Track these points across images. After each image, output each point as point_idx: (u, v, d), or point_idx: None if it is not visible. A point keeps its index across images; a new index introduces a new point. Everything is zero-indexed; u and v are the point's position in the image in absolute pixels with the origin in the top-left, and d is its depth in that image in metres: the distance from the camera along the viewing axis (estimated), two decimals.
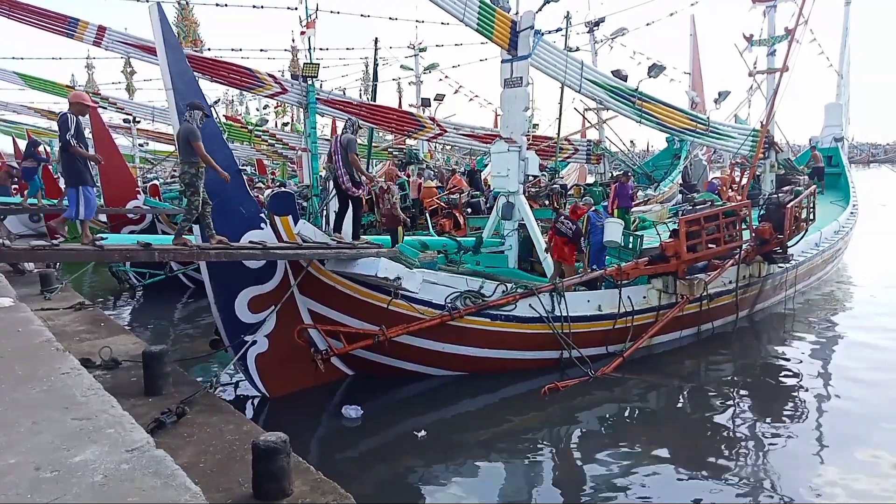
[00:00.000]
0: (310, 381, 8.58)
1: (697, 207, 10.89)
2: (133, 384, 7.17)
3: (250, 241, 7.82)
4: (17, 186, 20.35)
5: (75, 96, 7.74)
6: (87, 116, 14.68)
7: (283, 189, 9.50)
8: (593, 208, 10.79)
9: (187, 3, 20.45)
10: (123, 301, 14.90)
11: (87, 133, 19.25)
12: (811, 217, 12.34)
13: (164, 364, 7.09)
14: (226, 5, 15.73)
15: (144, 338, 11.42)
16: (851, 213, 16.99)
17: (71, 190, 7.11)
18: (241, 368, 8.29)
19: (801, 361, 9.91)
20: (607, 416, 8.37)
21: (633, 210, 15.39)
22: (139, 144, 25.34)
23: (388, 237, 10.87)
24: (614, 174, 22.27)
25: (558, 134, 19.36)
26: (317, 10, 15.42)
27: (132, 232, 15.20)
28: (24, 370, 3.73)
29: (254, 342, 8.17)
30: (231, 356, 8.14)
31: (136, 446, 2.89)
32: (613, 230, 10.55)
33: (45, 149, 29.59)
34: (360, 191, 9.08)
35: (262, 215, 8.28)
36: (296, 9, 15.72)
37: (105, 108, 21.37)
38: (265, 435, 4.97)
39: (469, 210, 16.07)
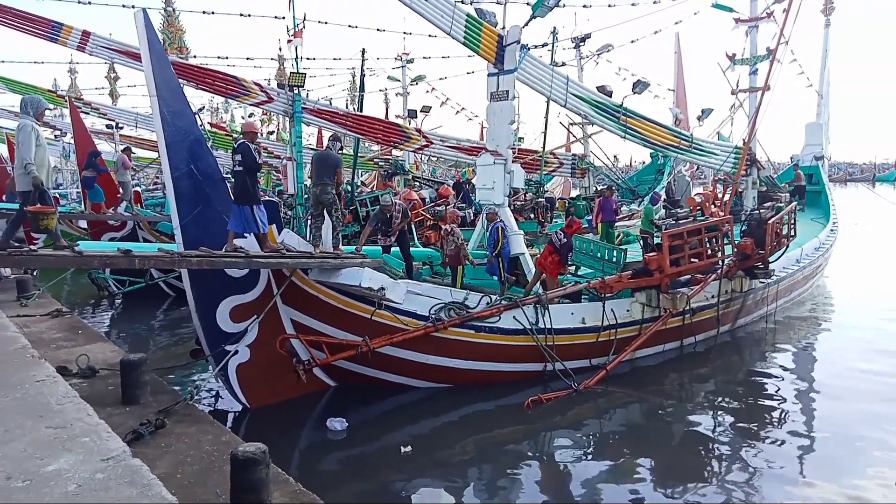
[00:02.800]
0: (292, 391, 8.48)
1: (680, 222, 10.97)
2: (110, 393, 7.05)
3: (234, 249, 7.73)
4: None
5: (249, 126, 8.90)
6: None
7: (267, 198, 9.42)
8: (501, 221, 10.82)
9: (173, 10, 20.37)
10: (103, 308, 14.69)
11: (69, 138, 19.07)
12: (792, 233, 12.49)
13: (143, 373, 6.98)
14: (213, 13, 15.70)
15: (123, 346, 11.25)
16: (832, 230, 17.24)
17: (241, 207, 7.87)
18: (222, 378, 8.18)
19: (782, 377, 9.99)
20: (591, 429, 8.35)
21: (616, 224, 15.51)
22: (120, 150, 25.01)
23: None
24: (598, 188, 22.47)
25: (543, 147, 19.49)
26: (304, 19, 15.50)
27: (112, 239, 15.01)
28: None
29: (235, 352, 8.06)
30: (212, 366, 8.02)
31: (111, 455, 2.81)
32: (517, 243, 11.05)
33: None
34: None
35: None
36: (283, 18, 15.76)
37: (87, 114, 21.16)
38: (244, 446, 4.89)
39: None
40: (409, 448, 7.16)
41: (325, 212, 8.74)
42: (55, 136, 26.92)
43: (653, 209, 14.23)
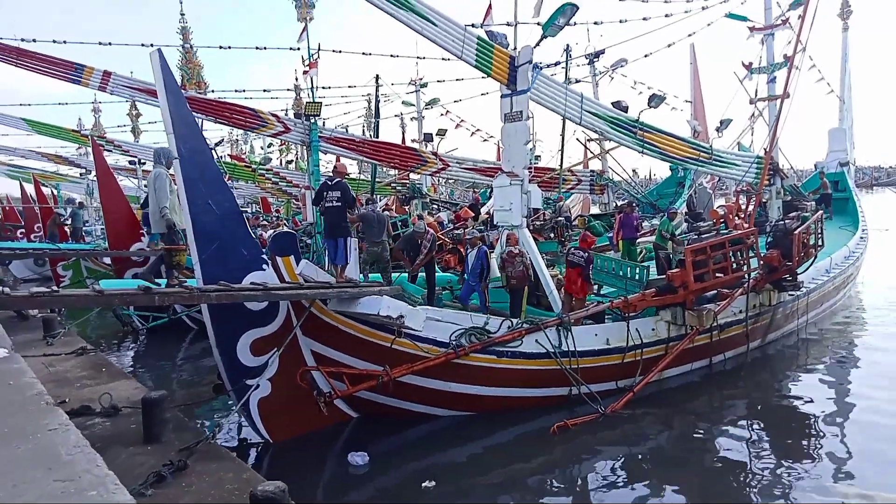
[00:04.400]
0: (314, 424, 8.39)
1: (703, 236, 10.76)
2: (132, 431, 7.02)
3: (251, 283, 7.72)
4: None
5: (341, 166, 10.57)
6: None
7: (284, 230, 9.73)
8: (483, 245, 10.72)
9: (191, 46, 20.82)
10: (127, 345, 14.80)
11: (93, 175, 19.52)
12: (820, 243, 12.18)
13: (164, 410, 6.94)
14: (229, 48, 15.98)
15: (147, 382, 11.30)
16: (861, 237, 16.80)
17: (331, 241, 9.03)
18: (244, 413, 8.12)
19: (818, 394, 9.63)
20: (620, 454, 8.10)
21: (639, 240, 15.28)
22: (144, 186, 25.54)
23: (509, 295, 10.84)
24: (618, 204, 22.25)
25: (560, 165, 19.39)
26: (318, 49, 15.69)
27: (136, 275, 15.17)
28: (11, 426, 3.61)
29: (256, 386, 8.01)
30: (233, 401, 7.98)
31: None
32: (495, 266, 11.14)
33: (52, 192, 30.09)
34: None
35: (264, 256, 8.21)
36: (298, 49, 15.97)
37: (110, 151, 21.63)
38: (263, 484, 4.81)
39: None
40: (432, 482, 7.00)
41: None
42: (80, 175, 27.60)
43: (669, 223, 14.00)
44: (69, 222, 24.04)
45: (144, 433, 6.80)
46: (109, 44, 14.88)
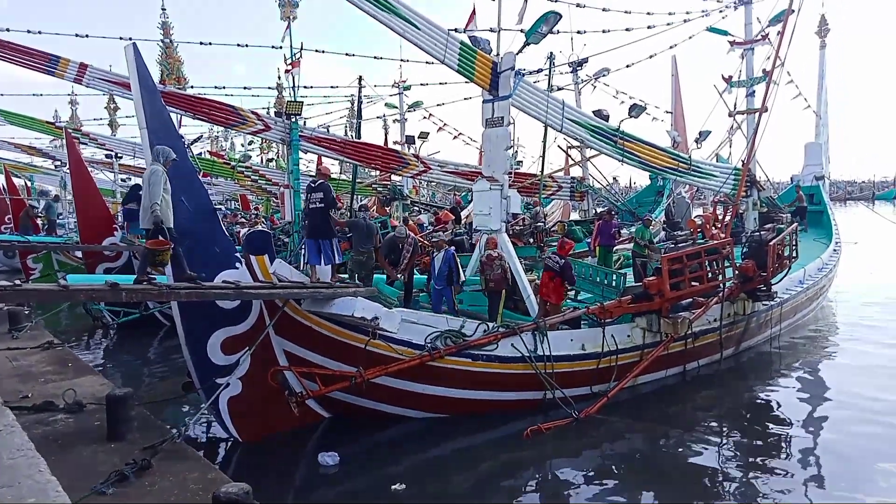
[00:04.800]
0: (285, 424, 8.27)
1: (680, 245, 10.84)
2: (96, 428, 6.88)
3: (224, 281, 7.60)
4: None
5: (325, 168, 10.89)
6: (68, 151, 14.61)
7: (258, 228, 9.68)
8: (450, 249, 10.72)
9: (171, 41, 20.55)
10: (97, 340, 14.51)
11: (67, 168, 19.21)
12: (794, 254, 12.34)
13: (129, 408, 6.82)
14: (209, 44, 15.78)
15: (116, 378, 11.10)
16: (834, 250, 17.08)
17: (319, 242, 9.15)
18: (213, 412, 7.99)
19: (788, 402, 9.74)
20: (592, 459, 8.11)
21: (616, 248, 15.37)
22: (122, 180, 25.12)
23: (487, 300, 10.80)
24: (598, 211, 22.38)
25: (542, 171, 19.44)
26: (301, 49, 15.55)
27: (108, 269, 14.94)
28: None
29: (227, 385, 7.88)
30: (203, 399, 7.84)
31: None
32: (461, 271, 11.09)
33: (25, 184, 29.50)
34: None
35: (238, 254, 8.10)
36: (280, 48, 15.84)
37: (86, 144, 21.25)
38: (227, 486, 4.72)
39: (452, 248, 15.93)
40: (402, 485, 6.92)
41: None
42: (55, 167, 27.07)
43: (644, 231, 14.10)
44: (43, 215, 23.59)
45: (108, 431, 6.66)
46: (87, 36, 14.63)
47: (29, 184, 30.31)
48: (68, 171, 17.47)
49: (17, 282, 6.44)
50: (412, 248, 11.25)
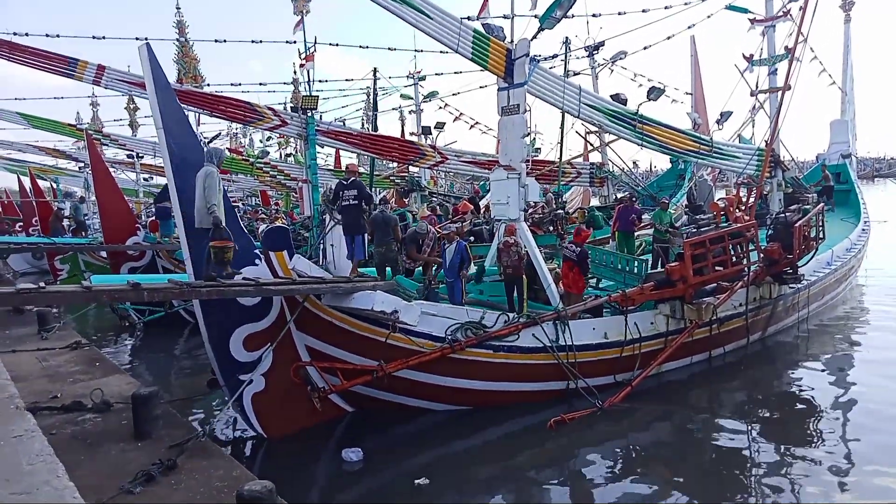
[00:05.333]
0: (308, 419, 8.32)
1: (702, 229, 10.64)
2: (123, 427, 6.96)
3: (244, 278, 7.63)
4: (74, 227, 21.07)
5: (353, 166, 11.47)
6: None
7: (276, 224, 9.80)
8: (462, 241, 10.57)
9: (187, 40, 20.67)
10: (124, 339, 14.74)
11: (90, 170, 19.48)
12: (821, 235, 12.06)
13: (155, 406, 6.89)
14: (224, 41, 15.84)
15: (143, 376, 11.27)
16: (863, 229, 16.66)
17: (349, 237, 9.72)
18: (237, 409, 8.05)
19: (819, 388, 9.54)
20: (617, 449, 8.03)
21: (638, 233, 15.15)
22: (144, 179, 25.48)
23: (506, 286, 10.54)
24: (618, 196, 22.09)
25: (560, 158, 19.24)
26: (315, 42, 15.52)
27: (133, 269, 15.14)
28: None
29: (250, 381, 7.94)
30: (227, 396, 7.91)
31: None
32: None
33: (51, 186, 30.01)
34: None
35: (257, 251, 8.12)
36: (294, 42, 15.83)
37: (107, 145, 21.52)
38: (250, 484, 4.73)
39: (472, 238, 15.88)
40: (426, 479, 6.91)
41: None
42: (79, 168, 27.49)
43: (662, 214, 13.85)
44: (70, 216, 23.95)
45: (135, 429, 6.74)
46: (103, 37, 14.79)
47: (55, 186, 30.83)
48: (90, 171, 17.71)
49: (42, 284, 6.53)
50: (433, 242, 11.22)
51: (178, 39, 20.48)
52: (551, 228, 15.94)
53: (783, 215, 11.73)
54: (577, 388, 8.95)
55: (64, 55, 14.01)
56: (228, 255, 7.39)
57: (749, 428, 8.39)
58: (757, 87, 14.95)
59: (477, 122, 27.13)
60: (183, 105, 11.26)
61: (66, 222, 22.94)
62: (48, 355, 10.05)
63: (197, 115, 15.87)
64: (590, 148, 23.62)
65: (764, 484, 6.80)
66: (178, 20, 20.76)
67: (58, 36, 14.66)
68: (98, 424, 7.14)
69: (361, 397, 8.64)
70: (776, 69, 14.75)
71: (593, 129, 21.14)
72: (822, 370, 10.38)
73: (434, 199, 23.64)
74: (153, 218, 17.36)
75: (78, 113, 29.85)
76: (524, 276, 10.07)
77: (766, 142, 13.79)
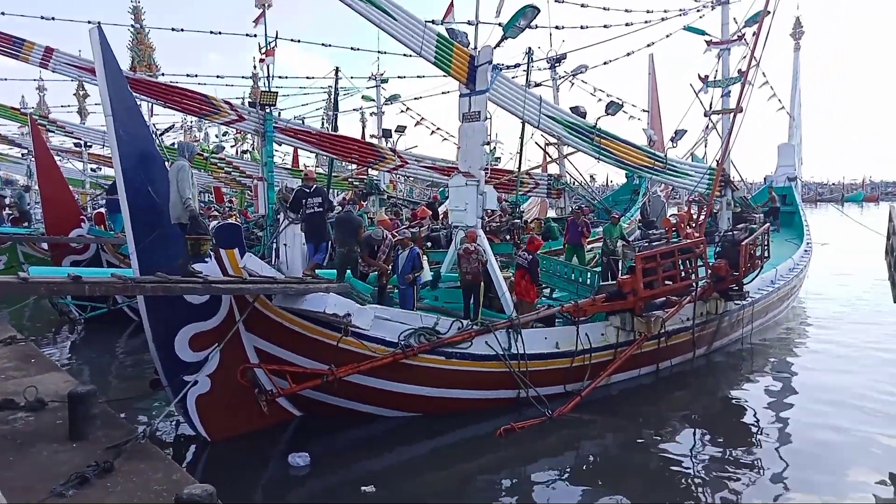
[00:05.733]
0: (255, 423, 8.13)
1: (654, 244, 10.88)
2: (58, 427, 6.66)
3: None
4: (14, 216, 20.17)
5: (312, 172, 12.16)
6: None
7: (232, 222, 9.63)
8: (416, 247, 10.72)
9: (142, 27, 20.06)
10: (63, 335, 14.13)
11: (33, 157, 18.70)
12: (766, 254, 12.47)
13: (92, 405, 6.59)
14: (182, 30, 15.44)
15: (82, 375, 10.82)
16: (805, 250, 17.33)
17: (312, 244, 9.85)
18: (181, 410, 7.80)
19: (760, 401, 9.85)
20: (566, 458, 8.10)
21: (592, 246, 15.40)
22: (91, 170, 24.57)
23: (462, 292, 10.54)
24: (573, 208, 22.44)
25: (518, 168, 19.43)
26: (276, 37, 15.29)
27: (75, 262, 14.55)
28: None
29: (195, 382, 7.70)
30: (170, 397, 7.65)
31: None
32: (427, 271, 11.31)
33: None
34: None
35: None
36: (255, 36, 15.56)
37: (53, 132, 20.68)
38: (190, 487, 4.57)
39: (429, 244, 15.85)
40: (371, 487, 6.82)
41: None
42: (22, 155, 26.34)
43: (613, 228, 14.12)
44: (14, 204, 22.90)
45: (70, 429, 6.45)
46: (53, 18, 14.18)
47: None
48: (34, 158, 16.96)
49: None
50: (389, 248, 11.04)
51: (132, 25, 19.87)
52: (508, 237, 16.06)
53: (731, 233, 12.09)
54: (527, 397, 8.99)
55: (8, 34, 13.38)
56: (205, 248, 7.49)
57: (693, 439, 8.60)
58: (711, 107, 15.45)
59: (438, 128, 27.22)
60: (135, 94, 10.92)
61: (7, 211, 21.94)
62: None
63: (150, 105, 15.39)
64: (548, 159, 23.95)
65: (704, 493, 6.96)
66: (134, 6, 20.15)
67: (2, 14, 14.01)
68: (30, 424, 6.81)
69: (310, 401, 8.49)
70: (729, 91, 15.29)
71: (552, 140, 21.44)
72: (764, 385, 10.70)
73: (393, 202, 23.57)
74: (99, 210, 16.75)
75: (23, 97, 28.68)
76: (482, 284, 10.10)
77: (717, 161, 14.24)
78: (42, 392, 7.43)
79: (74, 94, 26.01)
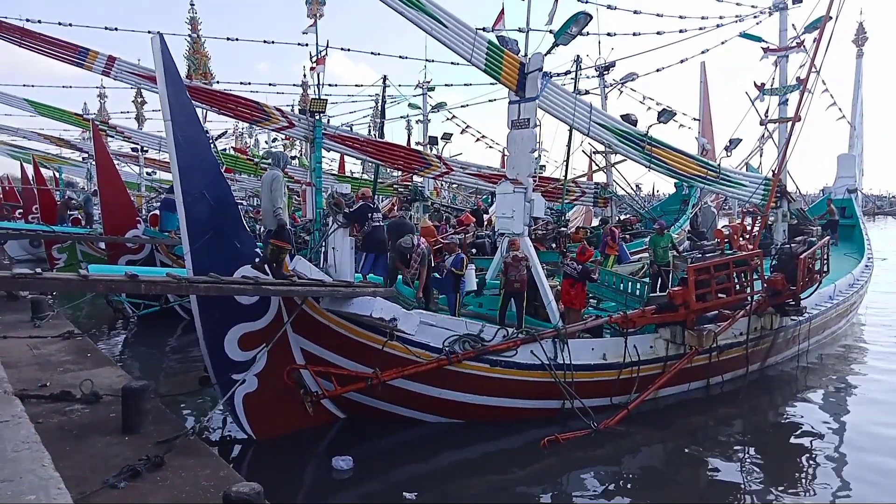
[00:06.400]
0: (299, 423, 8.20)
1: (707, 255, 10.57)
2: (111, 420, 6.84)
3: (243, 276, 7.54)
4: (74, 217, 21.10)
5: (368, 192, 12.70)
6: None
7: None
8: (461, 253, 10.84)
9: (199, 36, 20.67)
10: (117, 331, 14.60)
11: (93, 161, 19.48)
12: (825, 269, 11.98)
13: (145, 401, 6.78)
14: (237, 39, 15.84)
15: (134, 370, 11.13)
16: (866, 265, 16.59)
17: (370, 255, 10.41)
18: (228, 408, 7.93)
19: (815, 421, 9.42)
20: (610, 472, 7.91)
21: (636, 256, 15.12)
22: (147, 173, 25.40)
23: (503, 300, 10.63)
24: (621, 218, 22.08)
25: (565, 176, 19.21)
26: (327, 46, 15.52)
27: (130, 262, 15.02)
28: None
29: (243, 381, 7.81)
30: (219, 395, 7.78)
31: None
32: (472, 278, 11.20)
33: (54, 175, 29.98)
34: None
35: (258, 250, 8.04)
36: (306, 45, 15.86)
37: (113, 137, 21.46)
38: (238, 485, 4.62)
39: (474, 250, 15.80)
40: (413, 494, 6.77)
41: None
42: (82, 159, 27.43)
43: (659, 239, 13.77)
44: (81, 206, 23.83)
45: (123, 423, 6.62)
46: (115, 29, 14.75)
47: (57, 175, 30.77)
48: (94, 162, 17.62)
49: (39, 270, 6.44)
50: (420, 257, 10.82)
51: (189, 35, 20.49)
52: (554, 245, 15.88)
53: (788, 246, 11.66)
54: (572, 408, 8.82)
55: (75, 44, 13.96)
56: (283, 256, 7.93)
57: (743, 458, 8.28)
58: (767, 116, 14.97)
59: (483, 136, 27.18)
60: (192, 101, 11.21)
61: (73, 213, 22.84)
62: (40, 343, 9.94)
63: (204, 112, 15.79)
64: (594, 168, 23.63)
65: None
66: (192, 16, 20.80)
67: (70, 25, 14.64)
68: (86, 416, 7.02)
69: (354, 404, 8.52)
70: (787, 99, 14.79)
71: (599, 148, 21.15)
72: (820, 404, 10.26)
73: (438, 210, 23.61)
74: (153, 212, 17.29)
75: (85, 104, 29.87)
76: (525, 292, 9.99)
77: (773, 171, 13.78)
78: (97, 386, 7.65)
79: (133, 101, 27.06)
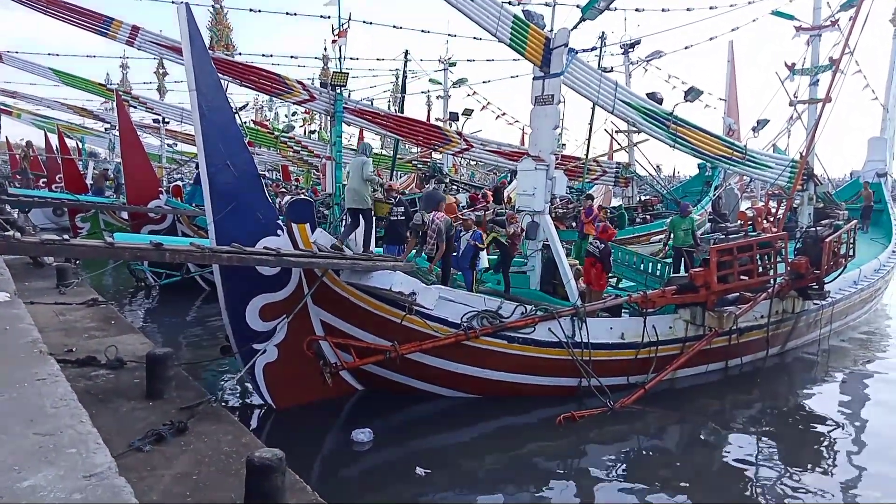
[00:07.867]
0: (318, 394, 8.30)
1: (731, 237, 10.43)
2: (136, 386, 6.97)
3: (265, 247, 7.58)
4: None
5: (395, 185, 13.39)
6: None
7: (303, 196, 10.01)
8: (478, 230, 10.75)
9: (221, 7, 20.61)
10: (139, 300, 14.84)
11: (115, 132, 19.61)
12: (851, 253, 11.78)
13: (169, 367, 6.87)
14: (259, 11, 15.75)
15: (156, 338, 11.30)
16: (894, 251, 16.27)
17: (391, 248, 10.73)
18: (249, 377, 8.05)
19: (834, 406, 9.36)
20: (625, 450, 7.93)
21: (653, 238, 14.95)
22: (168, 145, 25.54)
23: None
24: (642, 199, 21.85)
25: (586, 155, 19.02)
26: (349, 19, 15.42)
27: (153, 231, 15.19)
28: None
29: (263, 351, 7.92)
30: (239, 364, 7.90)
31: (95, 472, 2.53)
32: (484, 258, 11.21)
33: (77, 144, 30.24)
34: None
35: (280, 222, 8.08)
36: (328, 17, 15.73)
37: (135, 108, 21.57)
38: (261, 451, 4.69)
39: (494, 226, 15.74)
40: (426, 470, 6.83)
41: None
42: (105, 130, 27.64)
43: (681, 221, 13.54)
44: (112, 177, 24.07)
45: (147, 388, 6.74)
46: None
47: (80, 145, 31.07)
48: (117, 133, 17.77)
49: (66, 237, 6.53)
50: (436, 233, 10.70)
51: (212, 6, 20.44)
52: (574, 224, 15.77)
53: (813, 229, 11.47)
54: (589, 387, 8.84)
55: (99, 13, 14.00)
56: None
57: (759, 441, 8.25)
58: (796, 96, 14.62)
59: (504, 113, 26.93)
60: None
61: (106, 182, 23.05)
62: (65, 310, 10.10)
63: (226, 84, 15.81)
64: (616, 147, 23.37)
65: (767, 496, 6.67)
66: None
67: None
68: (110, 381, 7.15)
69: (372, 376, 8.60)
70: (818, 80, 14.42)
71: (621, 127, 20.88)
72: (839, 390, 10.18)
73: (454, 186, 23.54)
74: (175, 183, 17.45)
75: (108, 74, 30.01)
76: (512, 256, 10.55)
77: (801, 154, 13.50)
78: (121, 352, 7.78)
79: (154, 72, 27.08)
